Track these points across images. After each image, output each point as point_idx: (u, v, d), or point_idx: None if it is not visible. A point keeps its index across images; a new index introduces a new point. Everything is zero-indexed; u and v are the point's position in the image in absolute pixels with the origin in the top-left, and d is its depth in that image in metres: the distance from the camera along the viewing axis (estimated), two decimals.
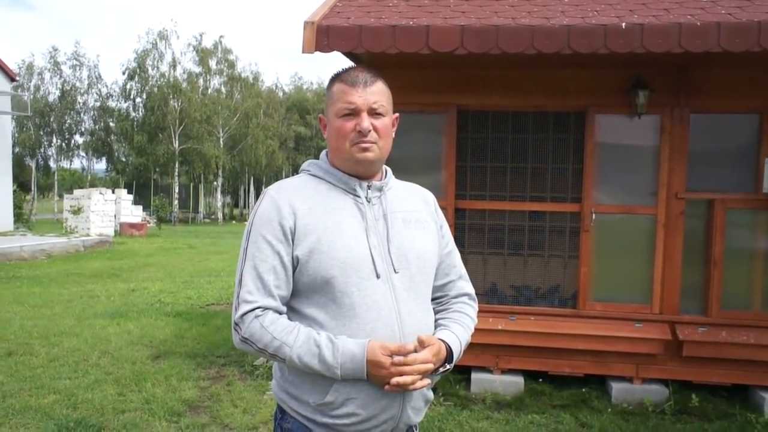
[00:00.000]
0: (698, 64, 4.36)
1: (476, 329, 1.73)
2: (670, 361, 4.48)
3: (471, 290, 1.76)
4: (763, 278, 4.51)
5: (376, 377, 1.45)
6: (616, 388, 4.48)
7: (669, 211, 4.51)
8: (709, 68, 4.42)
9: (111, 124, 36.01)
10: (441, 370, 1.56)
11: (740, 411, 4.24)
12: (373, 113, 1.55)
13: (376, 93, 1.55)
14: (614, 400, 4.44)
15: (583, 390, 4.53)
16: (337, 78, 1.59)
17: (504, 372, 4.63)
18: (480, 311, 1.80)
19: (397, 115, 1.67)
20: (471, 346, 1.73)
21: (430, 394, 1.64)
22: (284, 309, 1.53)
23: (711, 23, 3.78)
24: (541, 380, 4.65)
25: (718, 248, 4.46)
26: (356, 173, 1.59)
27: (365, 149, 1.54)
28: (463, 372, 4.67)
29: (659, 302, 4.53)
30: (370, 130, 1.53)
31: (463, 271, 1.76)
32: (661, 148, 4.52)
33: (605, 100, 4.56)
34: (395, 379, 1.43)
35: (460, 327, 1.64)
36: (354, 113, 1.54)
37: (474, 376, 4.63)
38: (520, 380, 4.59)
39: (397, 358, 1.44)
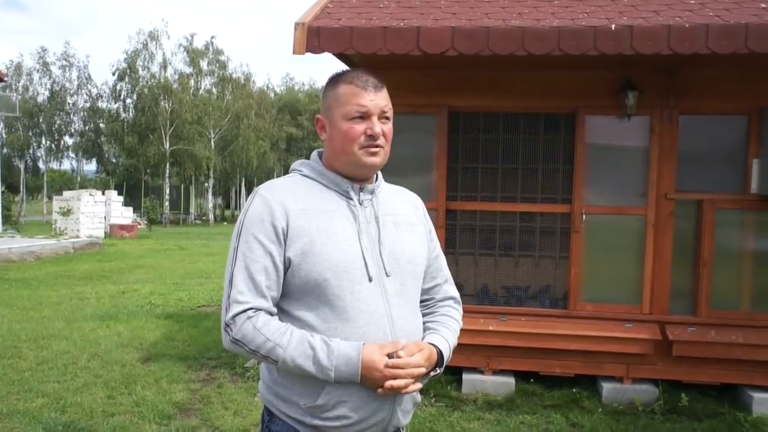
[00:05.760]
0: (687, 66, 4.39)
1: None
2: (660, 361, 4.50)
3: (456, 294, 1.77)
4: (752, 278, 4.55)
5: (369, 380, 1.45)
6: (607, 388, 4.50)
7: (658, 211, 4.54)
8: (698, 70, 4.45)
9: (101, 125, 35.84)
10: (432, 374, 1.57)
11: (729, 410, 4.27)
12: (383, 117, 1.54)
13: (385, 98, 1.56)
14: (605, 400, 4.46)
15: (574, 390, 4.54)
16: (343, 79, 1.56)
17: (495, 373, 4.64)
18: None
19: None
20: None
21: (419, 397, 1.65)
22: (275, 310, 1.51)
23: (699, 25, 3.81)
24: (532, 381, 4.66)
25: (707, 248, 4.49)
26: (356, 176, 1.57)
27: (374, 153, 1.53)
28: (454, 373, 4.67)
29: (649, 302, 4.55)
30: (381, 135, 1.53)
31: (449, 274, 1.77)
32: (651, 149, 4.55)
33: (595, 101, 4.58)
34: (389, 383, 1.43)
35: (449, 331, 1.66)
36: (365, 117, 1.52)
37: (465, 376, 4.63)
38: (511, 381, 4.60)
39: (391, 361, 1.44)
